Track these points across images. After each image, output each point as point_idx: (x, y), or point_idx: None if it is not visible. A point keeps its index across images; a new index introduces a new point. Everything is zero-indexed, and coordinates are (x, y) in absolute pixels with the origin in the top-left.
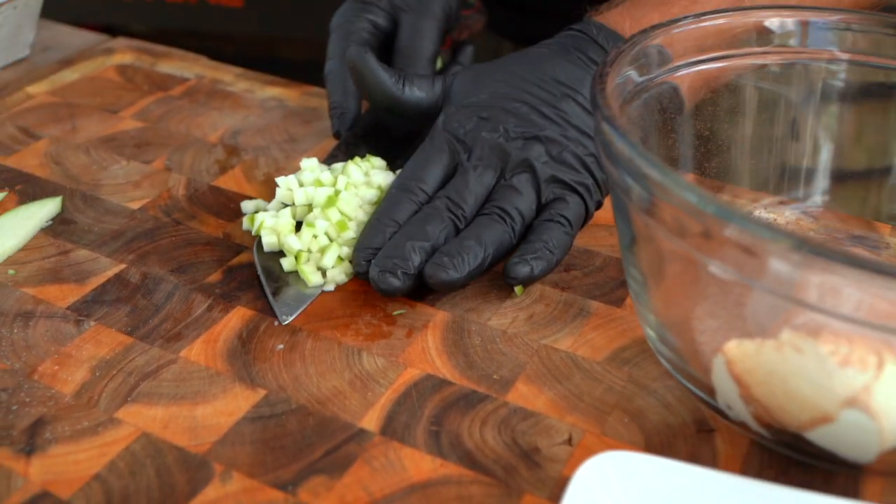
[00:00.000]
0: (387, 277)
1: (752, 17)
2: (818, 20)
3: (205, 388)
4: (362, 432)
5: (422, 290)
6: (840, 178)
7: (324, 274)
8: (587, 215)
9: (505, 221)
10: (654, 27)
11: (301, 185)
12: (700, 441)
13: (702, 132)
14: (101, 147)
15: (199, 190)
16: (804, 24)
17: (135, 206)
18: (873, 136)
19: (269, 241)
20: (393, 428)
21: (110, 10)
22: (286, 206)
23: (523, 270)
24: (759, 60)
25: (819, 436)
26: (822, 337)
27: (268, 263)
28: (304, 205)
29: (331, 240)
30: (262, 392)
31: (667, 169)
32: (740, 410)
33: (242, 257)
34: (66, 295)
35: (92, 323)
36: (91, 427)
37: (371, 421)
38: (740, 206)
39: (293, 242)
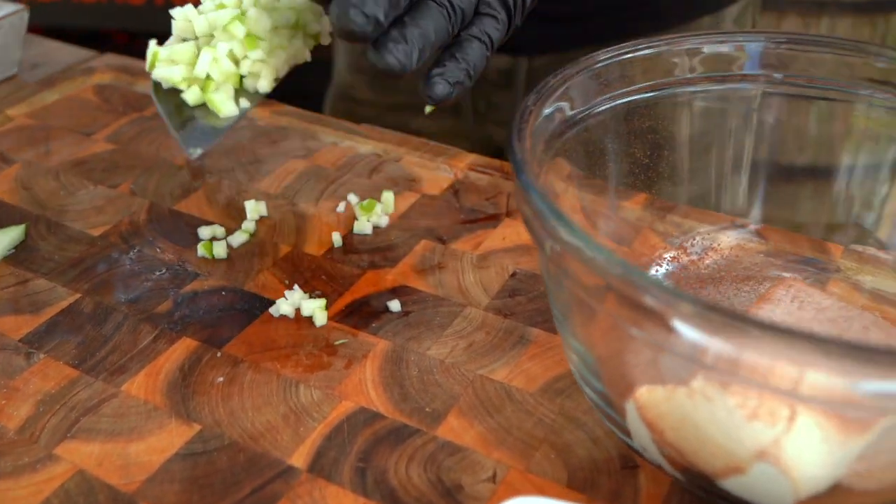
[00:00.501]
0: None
1: (684, 45)
2: (751, 44)
3: (141, 423)
4: (290, 469)
5: (367, 318)
6: (785, 195)
7: (237, 101)
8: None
9: (449, 18)
10: (582, 60)
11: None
12: (623, 477)
13: (641, 158)
14: (71, 171)
15: (161, 215)
16: (738, 48)
17: (96, 232)
18: (813, 152)
19: (165, 73)
20: (321, 465)
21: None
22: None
23: (442, 91)
24: (693, 87)
25: (733, 485)
26: (731, 388)
27: (170, 103)
28: (207, 34)
29: (237, 62)
30: (196, 427)
31: (573, 225)
32: (654, 454)
33: (195, 285)
34: (20, 326)
35: (42, 356)
36: (31, 463)
37: (300, 457)
38: (688, 227)
39: (199, 67)
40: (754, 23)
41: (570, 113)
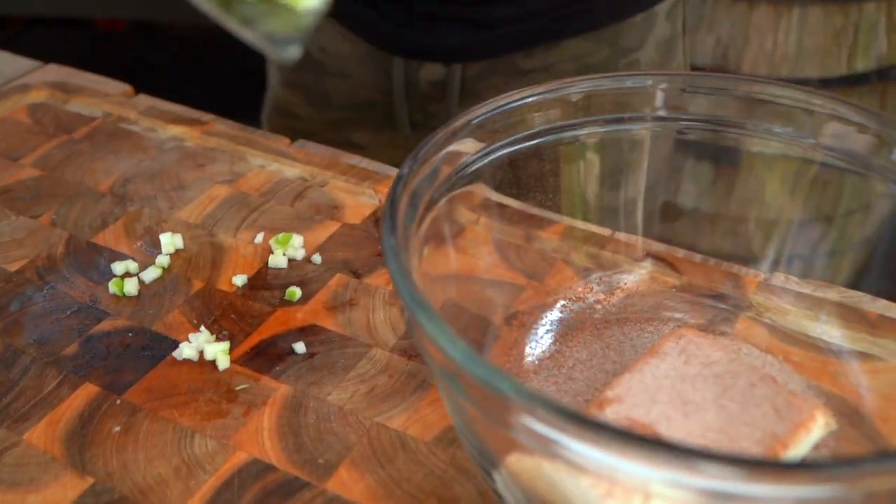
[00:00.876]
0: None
1: (562, 92)
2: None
3: (39, 474)
4: None
5: (272, 361)
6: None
7: None
8: None
9: None
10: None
11: None
12: None
13: (544, 201)
14: None
15: (78, 247)
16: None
17: (13, 267)
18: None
19: None
20: None
21: None
22: None
23: None
24: (582, 130)
25: None
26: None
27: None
28: None
29: None
30: (90, 480)
31: (431, 313)
32: None
33: (104, 325)
34: None
35: None
36: None
37: None
38: (604, 259)
39: None
40: (684, 19)
41: (462, 162)
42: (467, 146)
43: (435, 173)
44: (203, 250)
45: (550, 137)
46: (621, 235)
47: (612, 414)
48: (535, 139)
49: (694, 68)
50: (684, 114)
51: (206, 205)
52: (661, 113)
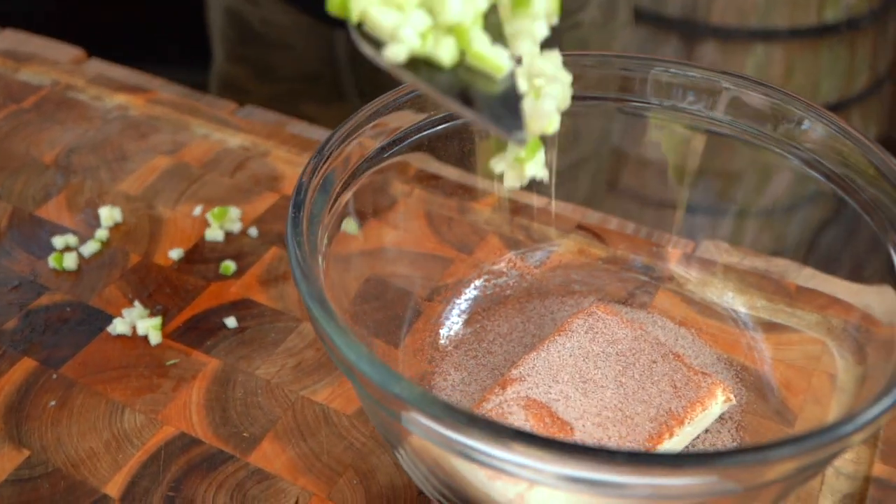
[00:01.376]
0: None
1: None
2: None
3: None
4: (104, 499)
5: (203, 336)
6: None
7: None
8: None
9: None
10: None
11: None
12: None
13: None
14: None
15: (21, 221)
16: None
17: None
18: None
19: (388, 23)
20: (133, 494)
21: None
22: None
23: None
24: None
25: None
26: None
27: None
28: None
29: None
30: (26, 453)
31: (326, 310)
32: (431, 492)
33: (43, 299)
34: None
35: None
36: None
37: (115, 486)
38: (535, 231)
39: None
40: None
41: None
42: (398, 119)
43: (350, 155)
44: (141, 223)
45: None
46: (553, 206)
47: (512, 394)
48: (454, 119)
49: (662, 19)
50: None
51: (147, 176)
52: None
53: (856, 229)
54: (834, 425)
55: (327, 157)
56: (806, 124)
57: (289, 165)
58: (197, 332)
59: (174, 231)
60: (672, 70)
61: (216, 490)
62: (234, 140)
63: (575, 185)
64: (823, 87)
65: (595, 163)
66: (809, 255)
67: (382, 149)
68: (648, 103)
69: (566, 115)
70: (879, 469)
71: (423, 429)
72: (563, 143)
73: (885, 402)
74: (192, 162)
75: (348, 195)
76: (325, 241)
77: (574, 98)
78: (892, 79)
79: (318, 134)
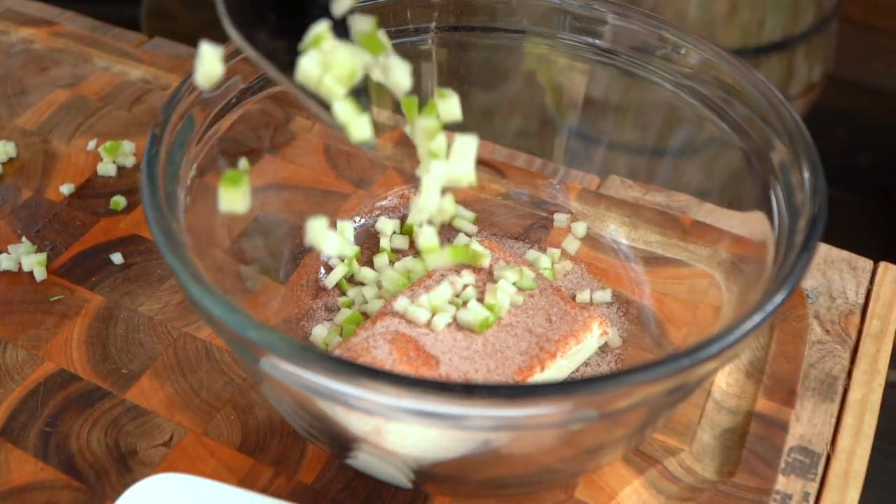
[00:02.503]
0: None
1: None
2: None
3: None
4: None
5: (89, 272)
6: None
7: None
8: None
9: None
10: None
11: None
12: (293, 440)
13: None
14: None
15: None
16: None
17: None
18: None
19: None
20: (11, 429)
21: None
22: None
23: None
24: None
25: (361, 464)
26: None
27: None
28: None
29: None
30: None
31: (179, 254)
32: (298, 425)
33: None
34: None
35: None
36: None
37: None
38: None
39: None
40: None
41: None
42: None
43: (230, 78)
44: (35, 158)
45: None
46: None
47: (381, 328)
48: None
49: None
50: (466, 23)
51: (44, 111)
52: (447, 24)
53: (732, 154)
54: (688, 351)
55: (193, 88)
56: (683, 51)
57: None
58: (83, 269)
59: (67, 166)
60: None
61: (91, 426)
62: (136, 73)
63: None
64: (768, 24)
65: (492, 98)
66: (699, 188)
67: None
68: (528, 32)
69: (459, 47)
70: (763, 404)
71: (279, 372)
72: (457, 78)
73: (733, 335)
74: (90, 95)
75: (226, 124)
76: (194, 173)
77: (460, 28)
78: (838, 17)
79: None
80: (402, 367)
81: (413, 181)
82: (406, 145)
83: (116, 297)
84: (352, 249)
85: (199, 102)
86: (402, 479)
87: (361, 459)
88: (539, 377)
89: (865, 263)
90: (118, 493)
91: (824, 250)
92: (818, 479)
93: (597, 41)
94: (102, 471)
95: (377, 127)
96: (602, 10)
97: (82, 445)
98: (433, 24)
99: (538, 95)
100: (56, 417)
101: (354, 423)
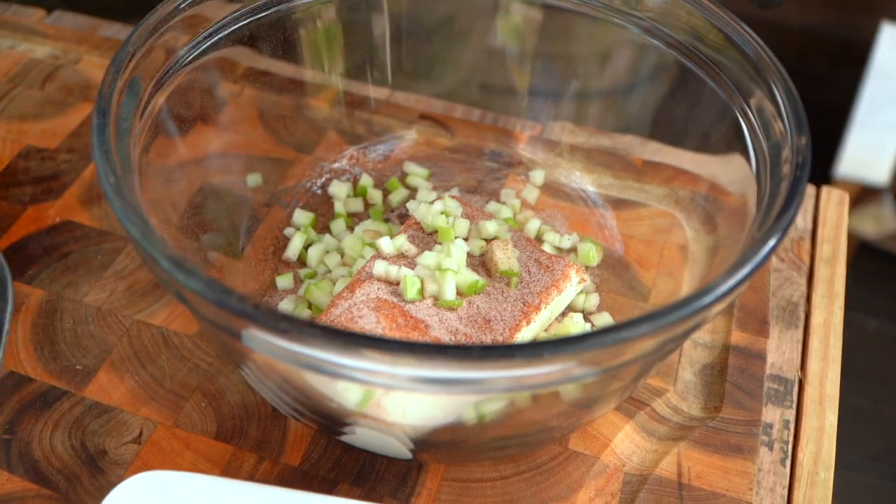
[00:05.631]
0: None
1: None
2: None
3: None
4: None
5: (24, 265)
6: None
7: None
8: None
9: None
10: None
11: None
12: (273, 422)
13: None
14: None
15: None
16: None
17: None
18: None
19: None
20: None
21: None
22: None
23: None
24: None
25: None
26: None
27: None
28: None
29: None
30: None
31: (148, 233)
32: (284, 408)
33: None
34: None
35: None
36: None
37: None
38: (376, 125)
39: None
40: None
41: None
42: (211, 10)
43: (168, 42)
44: None
45: (287, 5)
46: (396, 97)
47: (361, 296)
48: (272, 7)
49: None
50: None
51: None
52: None
53: (701, 98)
54: (689, 298)
55: (132, 55)
56: None
57: (103, 72)
58: (16, 262)
59: None
60: None
61: (52, 429)
62: (43, 49)
63: (412, 72)
64: None
65: (432, 48)
66: (656, 128)
67: (197, 43)
68: None
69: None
70: (738, 337)
71: (265, 345)
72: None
73: (742, 272)
74: None
75: (162, 97)
76: (140, 149)
77: None
78: None
79: None
80: (394, 335)
81: (359, 142)
82: (342, 105)
83: (57, 288)
84: (307, 217)
85: (140, 71)
86: (403, 449)
87: (358, 434)
88: (526, 331)
89: (809, 189)
90: (94, 499)
91: None
92: (794, 405)
93: None
94: (73, 475)
95: (311, 88)
96: None
97: (46, 450)
98: None
99: (489, 45)
100: (13, 423)
101: (352, 398)
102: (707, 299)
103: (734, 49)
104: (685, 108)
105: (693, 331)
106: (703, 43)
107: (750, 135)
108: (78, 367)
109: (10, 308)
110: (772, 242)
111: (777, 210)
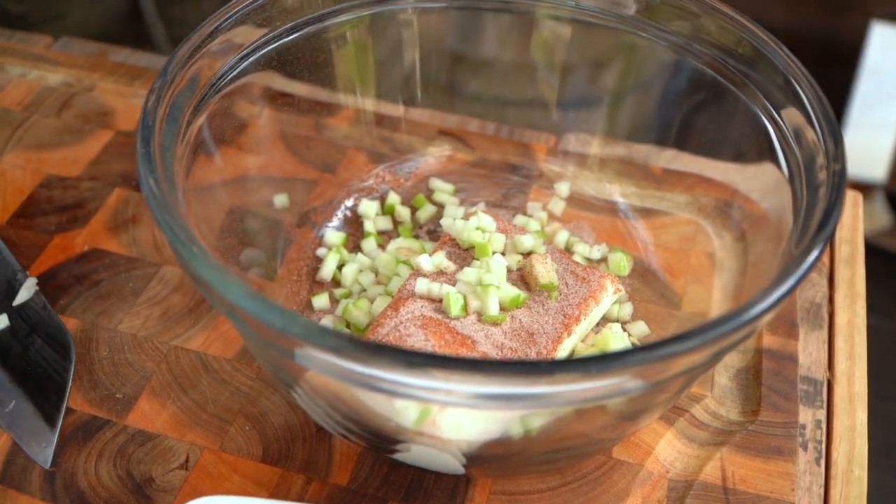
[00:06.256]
0: None
1: None
2: None
3: None
4: None
5: (56, 295)
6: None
7: None
8: None
9: None
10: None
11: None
12: (318, 442)
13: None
14: None
15: None
16: None
17: None
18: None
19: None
20: (10, 474)
21: None
22: None
23: None
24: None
25: (409, 457)
26: None
27: None
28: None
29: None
30: None
31: (201, 254)
32: (333, 427)
33: None
34: None
35: None
36: None
37: None
38: (398, 142)
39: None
40: None
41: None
42: (243, 35)
43: (197, 76)
44: None
45: (317, 26)
46: (413, 114)
47: (406, 315)
48: (302, 28)
49: None
50: None
51: None
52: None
53: (732, 109)
54: (739, 310)
55: (171, 82)
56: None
57: (119, 98)
58: (47, 292)
59: (5, 184)
60: None
61: (97, 459)
62: (55, 76)
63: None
64: None
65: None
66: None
67: (230, 68)
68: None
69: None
70: (769, 340)
71: (320, 364)
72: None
73: (790, 280)
74: (12, 106)
75: (198, 122)
76: (182, 174)
77: None
78: None
79: (146, 60)
80: (444, 352)
81: (381, 160)
82: (362, 124)
83: (91, 317)
84: (338, 237)
85: (179, 97)
86: (456, 464)
87: (413, 452)
88: (567, 343)
89: None
90: None
91: None
92: (825, 405)
93: (581, 1)
94: None
95: (331, 107)
96: None
97: (92, 481)
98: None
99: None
100: (56, 456)
101: (410, 416)
102: (757, 310)
103: (763, 60)
104: (713, 119)
105: (741, 342)
106: (733, 56)
107: (780, 143)
108: (118, 395)
109: (72, 368)
110: (818, 248)
111: (819, 216)
